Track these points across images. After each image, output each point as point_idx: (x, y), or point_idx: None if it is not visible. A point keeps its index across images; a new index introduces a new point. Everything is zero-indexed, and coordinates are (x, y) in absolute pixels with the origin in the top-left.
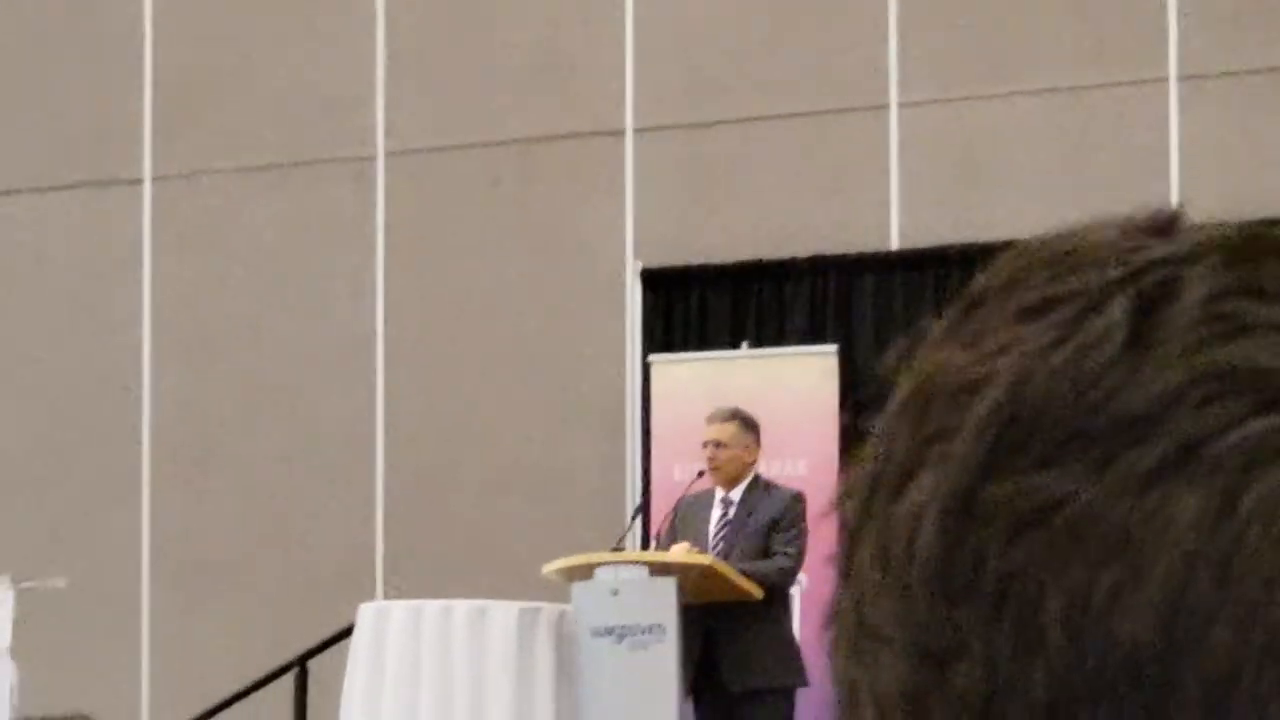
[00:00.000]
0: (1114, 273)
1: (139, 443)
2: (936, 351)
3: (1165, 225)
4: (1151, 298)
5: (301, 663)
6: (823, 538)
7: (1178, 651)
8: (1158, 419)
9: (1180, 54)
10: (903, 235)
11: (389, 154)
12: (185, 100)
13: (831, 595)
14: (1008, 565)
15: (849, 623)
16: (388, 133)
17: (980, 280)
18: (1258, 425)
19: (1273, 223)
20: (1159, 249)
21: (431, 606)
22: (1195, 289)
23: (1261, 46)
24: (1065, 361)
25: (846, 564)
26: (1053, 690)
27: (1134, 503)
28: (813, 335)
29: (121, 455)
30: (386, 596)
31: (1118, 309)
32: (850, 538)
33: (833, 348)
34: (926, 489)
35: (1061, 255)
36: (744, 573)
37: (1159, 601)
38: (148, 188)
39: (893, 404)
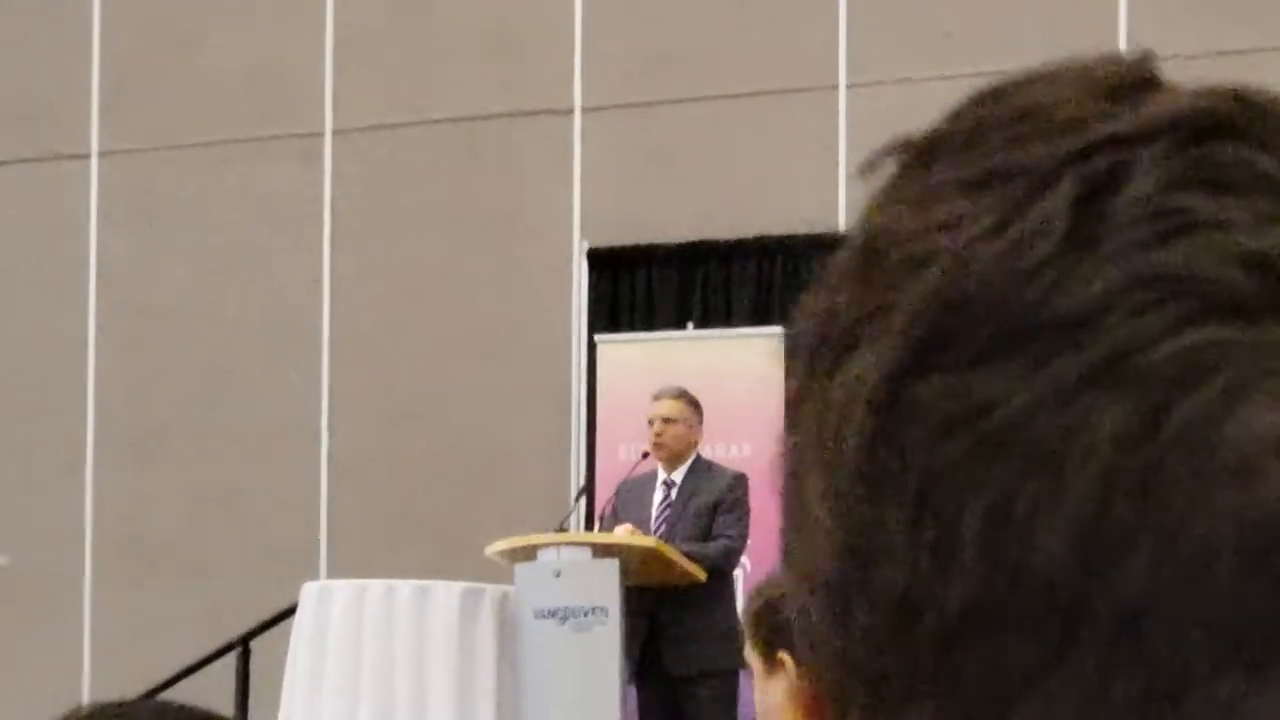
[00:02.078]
0: (1065, 148)
1: (84, 420)
2: (887, 206)
3: (1135, 84)
4: (1097, 184)
5: (244, 642)
6: (765, 519)
7: (1092, 575)
8: (1090, 324)
9: (1130, 38)
10: (850, 217)
11: (336, 131)
12: (133, 75)
13: (782, 436)
14: (932, 469)
15: (790, 481)
16: (335, 110)
17: (938, 128)
18: (1192, 337)
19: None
20: (1117, 121)
21: (374, 586)
22: (1144, 177)
23: (1211, 30)
24: (1003, 252)
25: (793, 415)
26: (966, 605)
27: (1059, 412)
28: (759, 317)
29: (66, 432)
30: (330, 576)
31: (1061, 196)
32: (798, 391)
33: (778, 330)
34: (860, 372)
35: (1019, 115)
36: (687, 555)
37: (1075, 521)
38: (94, 163)
39: (843, 254)
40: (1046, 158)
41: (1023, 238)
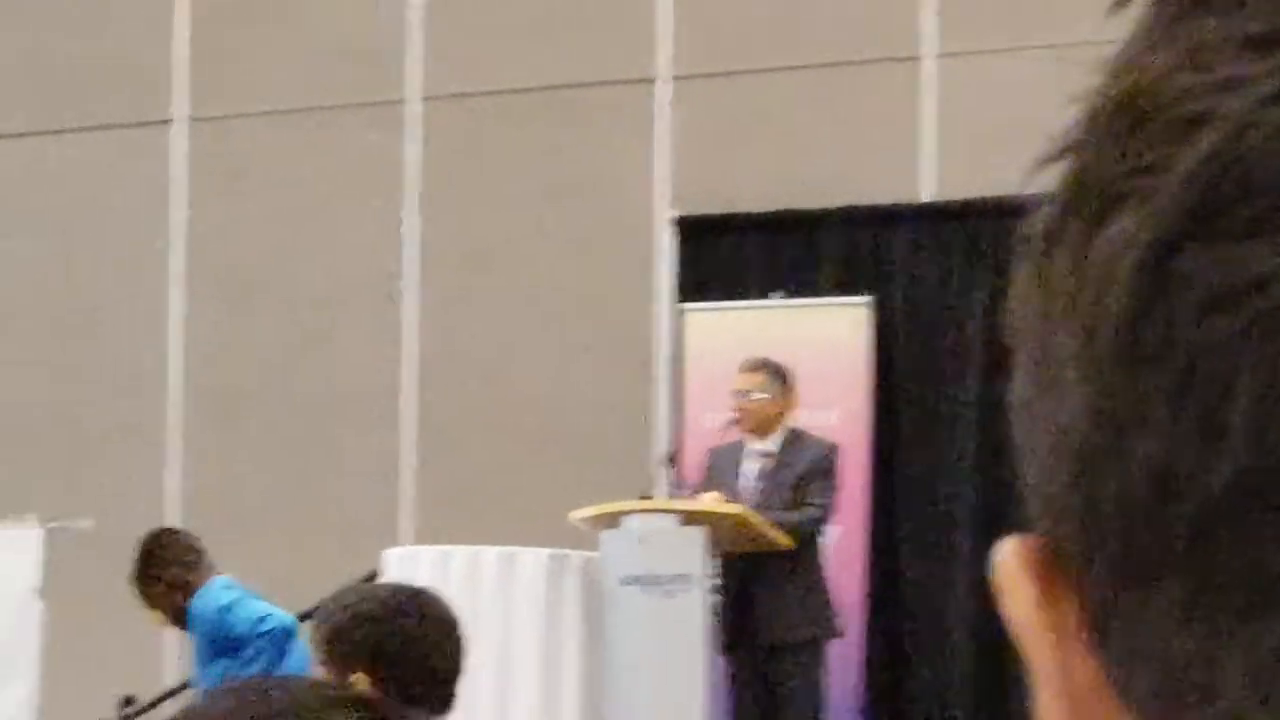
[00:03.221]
0: None
1: (165, 384)
2: (1151, 56)
3: None
4: None
5: None
6: (853, 488)
7: None
8: None
9: None
10: (935, 188)
11: (423, 99)
12: (220, 42)
13: (1021, 281)
14: (1201, 342)
15: (1035, 330)
16: (422, 78)
17: None
18: None
19: None
20: None
21: (459, 552)
22: None
23: None
24: None
25: (1042, 261)
26: (1231, 488)
27: None
28: (845, 286)
29: (150, 398)
30: (411, 543)
31: None
32: (1045, 238)
33: (865, 299)
34: (1125, 233)
35: None
36: (774, 523)
37: None
38: (181, 129)
39: (1096, 102)
40: None
41: None
